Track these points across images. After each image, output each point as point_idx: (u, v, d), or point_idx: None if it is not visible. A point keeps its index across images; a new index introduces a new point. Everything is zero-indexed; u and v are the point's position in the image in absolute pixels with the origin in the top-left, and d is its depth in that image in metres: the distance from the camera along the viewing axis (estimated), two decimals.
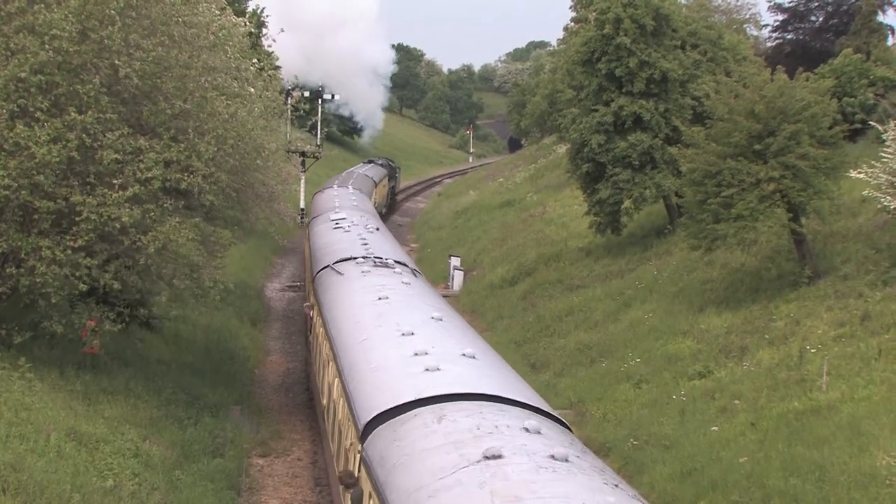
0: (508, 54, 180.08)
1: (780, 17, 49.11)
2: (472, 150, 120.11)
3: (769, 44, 50.79)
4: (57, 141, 17.16)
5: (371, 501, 10.58)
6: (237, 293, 31.14)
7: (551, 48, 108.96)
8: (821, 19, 48.54)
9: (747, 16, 59.94)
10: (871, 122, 28.31)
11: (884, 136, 24.56)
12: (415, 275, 22.10)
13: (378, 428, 11.29)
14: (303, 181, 50.98)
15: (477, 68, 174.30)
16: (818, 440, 16.65)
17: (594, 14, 35.05)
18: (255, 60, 25.37)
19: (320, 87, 61.39)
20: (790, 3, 48.81)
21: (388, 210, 63.32)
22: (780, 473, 15.93)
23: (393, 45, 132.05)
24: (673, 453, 18.63)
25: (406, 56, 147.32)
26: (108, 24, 17.78)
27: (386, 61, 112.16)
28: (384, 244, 26.71)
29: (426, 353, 13.15)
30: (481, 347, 14.64)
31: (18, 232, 17.56)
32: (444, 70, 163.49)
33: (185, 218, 19.59)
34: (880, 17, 44.92)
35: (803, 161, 23.54)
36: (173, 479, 16.55)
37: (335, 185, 46.23)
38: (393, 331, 14.85)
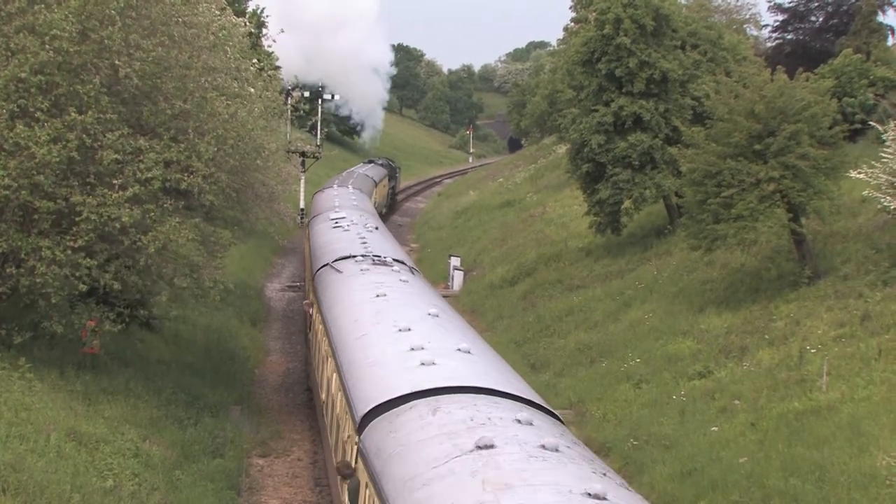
0: (508, 54, 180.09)
1: (780, 18, 49.16)
2: (472, 151, 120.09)
3: (769, 44, 50.80)
4: (57, 141, 17.17)
5: (367, 491, 10.71)
6: (237, 293, 31.14)
7: (551, 48, 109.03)
8: (821, 19, 48.54)
9: (747, 16, 59.99)
10: (871, 123, 28.31)
11: (884, 137, 24.56)
12: (412, 273, 22.25)
13: (374, 420, 11.49)
14: (303, 181, 50.96)
15: (477, 68, 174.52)
16: (818, 440, 16.66)
17: (594, 14, 35.06)
18: (255, 60, 25.38)
19: (320, 86, 61.36)
20: (790, 3, 48.88)
21: (389, 210, 63.27)
22: (780, 473, 15.94)
23: (393, 45, 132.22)
24: (673, 453, 18.64)
25: (406, 56, 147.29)
26: (109, 25, 17.79)
27: (386, 61, 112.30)
28: (383, 243, 26.82)
29: (422, 348, 13.37)
30: (476, 343, 14.85)
31: (18, 232, 17.56)
32: (444, 70, 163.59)
33: (185, 218, 19.61)
34: (880, 18, 45.02)
35: (803, 161, 23.54)
36: (173, 480, 16.55)
37: (335, 185, 46.21)
38: (390, 327, 15.09)
